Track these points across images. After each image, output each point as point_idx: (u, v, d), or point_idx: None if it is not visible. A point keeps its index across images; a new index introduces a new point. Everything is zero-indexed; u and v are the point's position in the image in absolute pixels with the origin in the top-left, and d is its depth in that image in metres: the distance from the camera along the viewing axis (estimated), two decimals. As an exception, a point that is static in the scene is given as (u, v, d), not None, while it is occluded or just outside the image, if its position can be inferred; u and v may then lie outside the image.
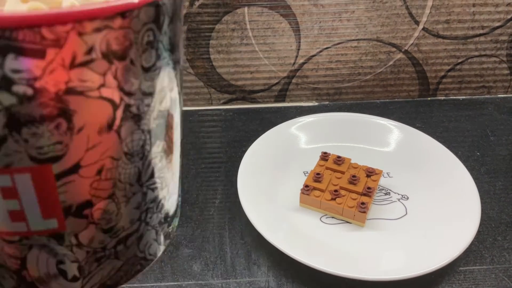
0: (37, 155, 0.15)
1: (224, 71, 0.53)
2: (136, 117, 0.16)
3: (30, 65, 0.13)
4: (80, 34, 0.13)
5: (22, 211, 0.17)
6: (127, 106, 0.15)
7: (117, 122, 0.16)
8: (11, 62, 0.13)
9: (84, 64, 0.14)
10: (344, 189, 0.39)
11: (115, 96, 0.15)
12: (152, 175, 0.18)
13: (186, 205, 0.41)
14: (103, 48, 0.14)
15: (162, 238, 0.22)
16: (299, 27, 0.50)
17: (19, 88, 0.13)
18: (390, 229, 0.37)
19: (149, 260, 0.23)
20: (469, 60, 0.54)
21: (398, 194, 0.41)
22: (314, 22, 0.50)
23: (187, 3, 0.48)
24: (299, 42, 0.51)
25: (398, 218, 0.38)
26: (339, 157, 0.41)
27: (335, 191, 0.38)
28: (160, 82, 0.16)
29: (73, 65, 0.13)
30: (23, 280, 0.19)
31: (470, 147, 0.47)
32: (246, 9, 0.49)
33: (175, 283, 0.34)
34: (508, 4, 0.50)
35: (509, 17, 0.51)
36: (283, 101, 0.56)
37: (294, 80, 0.54)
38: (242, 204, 0.37)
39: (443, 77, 0.55)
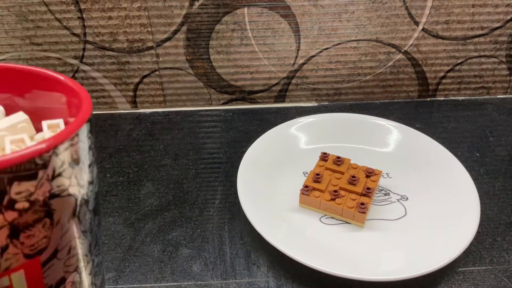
0: (29, 252, 0.20)
1: (224, 71, 0.53)
2: (87, 202, 0.22)
3: (27, 186, 0.18)
4: (57, 155, 0.19)
5: None
6: (82, 195, 0.21)
7: (78, 209, 0.21)
8: (15, 188, 0.18)
9: (59, 174, 0.19)
10: (343, 189, 0.39)
11: (76, 190, 0.21)
12: (96, 243, 0.24)
13: (186, 206, 0.41)
14: (69, 159, 0.20)
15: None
16: (298, 27, 0.50)
17: (20, 205, 0.18)
18: (390, 229, 0.37)
19: None
20: (469, 61, 0.54)
21: (398, 195, 0.41)
22: (313, 22, 0.50)
23: (187, 3, 0.48)
24: (299, 42, 0.51)
25: (398, 219, 0.38)
26: (338, 157, 0.41)
27: (335, 191, 0.38)
28: (94, 171, 0.22)
29: (53, 177, 0.19)
30: None
31: (469, 147, 0.47)
32: (246, 9, 0.49)
33: (175, 283, 0.34)
34: (508, 5, 0.50)
35: (508, 17, 0.51)
36: (283, 101, 0.56)
37: (293, 81, 0.54)
38: (242, 204, 0.37)
39: (443, 77, 0.55)
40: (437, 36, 0.52)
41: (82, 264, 0.22)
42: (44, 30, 0.49)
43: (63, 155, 0.19)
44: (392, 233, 0.37)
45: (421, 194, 0.40)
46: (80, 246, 0.22)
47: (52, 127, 0.24)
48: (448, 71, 0.55)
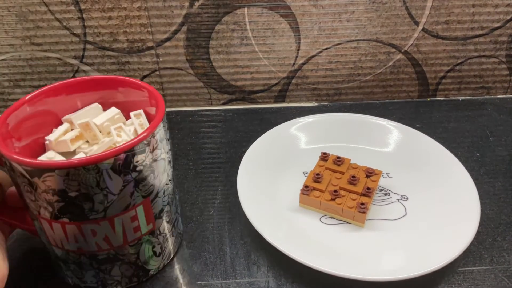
0: (143, 194, 0.30)
1: (224, 71, 0.53)
2: (170, 162, 0.33)
3: (141, 156, 0.29)
4: (154, 136, 0.30)
5: (139, 225, 0.31)
6: (167, 158, 0.32)
7: (166, 167, 0.32)
8: (135, 158, 0.28)
9: (156, 147, 0.30)
10: (343, 189, 0.39)
11: (164, 156, 0.31)
12: (174, 188, 0.35)
13: (186, 206, 0.41)
14: (160, 137, 0.30)
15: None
16: (299, 27, 0.50)
17: (138, 168, 0.29)
18: (390, 229, 0.37)
19: (181, 233, 0.38)
20: (469, 61, 0.54)
21: (398, 195, 0.41)
22: (314, 22, 0.50)
23: (187, 4, 0.48)
24: (299, 42, 0.51)
25: (398, 219, 0.38)
26: (338, 157, 0.41)
27: (335, 191, 0.38)
28: (170, 143, 0.33)
29: (153, 149, 0.30)
30: (136, 265, 0.33)
31: (469, 147, 0.47)
32: (246, 9, 0.49)
33: (175, 283, 0.34)
34: (508, 5, 0.50)
35: (508, 17, 0.51)
36: (283, 101, 0.56)
37: (293, 81, 0.54)
38: (242, 204, 0.37)
39: (443, 77, 0.55)
40: (437, 36, 0.52)
41: (171, 200, 0.34)
42: (44, 30, 0.49)
43: (158, 136, 0.30)
44: (392, 233, 0.37)
45: (421, 194, 0.40)
46: (169, 189, 0.33)
47: (136, 115, 0.34)
48: (448, 71, 0.55)
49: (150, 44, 0.51)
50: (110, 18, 0.49)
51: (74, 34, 0.50)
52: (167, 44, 0.51)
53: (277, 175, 0.42)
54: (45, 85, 0.54)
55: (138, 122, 0.33)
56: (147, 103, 0.34)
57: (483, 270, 0.35)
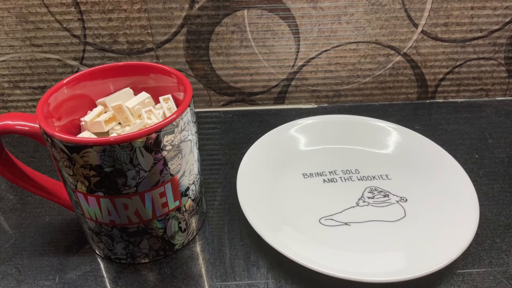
0: (172, 172, 0.32)
1: (223, 73, 0.53)
2: (196, 143, 0.35)
3: (170, 137, 0.30)
4: (182, 118, 0.32)
5: (167, 201, 0.33)
6: (194, 140, 0.34)
7: (192, 148, 0.34)
8: (165, 138, 0.30)
9: (184, 129, 0.32)
10: None
11: (191, 137, 0.33)
12: (199, 168, 0.37)
13: (186, 207, 0.41)
14: (187, 120, 0.32)
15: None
16: (298, 29, 0.51)
17: (167, 147, 0.31)
18: (389, 231, 0.37)
19: (205, 212, 0.40)
20: (468, 63, 0.54)
21: (397, 196, 0.41)
22: (313, 24, 0.50)
23: (187, 5, 0.48)
24: (299, 44, 0.52)
25: (397, 220, 0.38)
26: None
27: None
28: (196, 125, 0.35)
29: (181, 131, 0.31)
30: (163, 240, 0.35)
31: (468, 149, 0.48)
32: (245, 11, 0.49)
33: (174, 285, 0.34)
34: (506, 8, 0.50)
35: (507, 20, 0.51)
36: (282, 103, 0.56)
37: (293, 83, 0.54)
38: (242, 205, 0.37)
39: (442, 79, 0.55)
40: (436, 38, 0.52)
41: (196, 180, 0.36)
42: (44, 31, 0.49)
43: (185, 118, 0.31)
44: (391, 234, 0.37)
45: (420, 195, 0.40)
46: (194, 169, 0.35)
47: (165, 99, 0.36)
48: (447, 73, 0.55)
49: (150, 45, 0.51)
50: (110, 19, 0.49)
51: (74, 36, 0.50)
52: (167, 45, 0.51)
53: (277, 176, 0.42)
54: (45, 86, 0.54)
55: (166, 106, 0.35)
56: (176, 89, 0.36)
57: (482, 272, 0.35)
